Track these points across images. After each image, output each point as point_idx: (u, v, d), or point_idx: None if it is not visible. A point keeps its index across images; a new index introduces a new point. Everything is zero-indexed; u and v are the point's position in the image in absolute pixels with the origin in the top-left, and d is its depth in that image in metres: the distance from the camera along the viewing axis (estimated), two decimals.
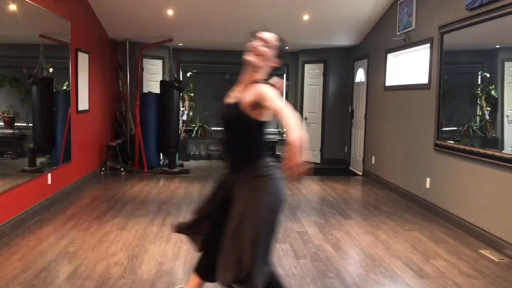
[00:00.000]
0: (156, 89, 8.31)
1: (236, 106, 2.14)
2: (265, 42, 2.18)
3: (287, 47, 2.28)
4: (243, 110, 2.11)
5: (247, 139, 2.19)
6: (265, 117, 2.15)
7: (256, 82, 2.14)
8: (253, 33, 2.24)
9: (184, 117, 9.07)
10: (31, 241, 3.98)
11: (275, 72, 2.27)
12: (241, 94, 2.16)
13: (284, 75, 9.74)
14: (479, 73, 4.73)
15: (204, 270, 2.40)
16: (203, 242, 2.39)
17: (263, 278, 2.10)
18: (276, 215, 2.17)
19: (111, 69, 7.94)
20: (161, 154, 8.31)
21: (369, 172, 7.43)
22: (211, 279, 2.37)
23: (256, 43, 2.17)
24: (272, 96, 2.01)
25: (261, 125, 2.17)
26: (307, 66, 9.18)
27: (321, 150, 8.97)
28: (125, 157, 7.77)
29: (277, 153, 9.33)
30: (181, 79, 9.03)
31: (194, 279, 2.46)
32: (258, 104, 2.06)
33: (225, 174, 2.35)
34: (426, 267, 3.61)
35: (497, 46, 4.50)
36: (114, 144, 7.47)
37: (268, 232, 2.14)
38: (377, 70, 7.12)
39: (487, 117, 4.43)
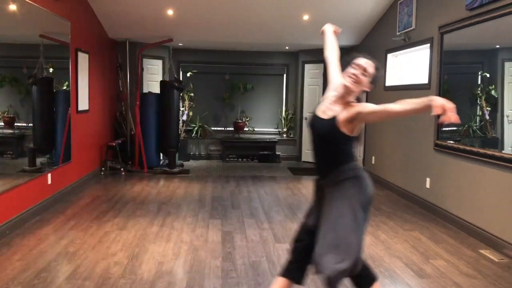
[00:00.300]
0: (156, 89, 8.31)
1: (331, 121, 2.32)
2: (364, 71, 2.35)
3: (381, 74, 2.53)
4: (338, 125, 2.29)
5: (337, 150, 2.37)
6: (355, 132, 2.35)
7: (349, 103, 2.34)
8: (353, 58, 2.41)
9: (184, 117, 9.06)
10: (31, 241, 3.98)
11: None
12: (334, 111, 2.34)
13: (284, 75, 9.75)
14: (479, 73, 4.73)
15: (294, 273, 2.49)
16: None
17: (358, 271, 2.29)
18: (366, 211, 2.34)
19: (111, 69, 7.95)
20: (161, 154, 8.31)
21: (369, 172, 7.42)
22: (300, 282, 2.50)
23: (357, 72, 2.34)
24: (371, 105, 2.27)
25: (350, 139, 2.36)
26: (307, 66, 9.18)
27: None
28: (125, 157, 7.77)
29: (277, 153, 9.34)
30: (181, 79, 9.03)
31: (282, 282, 2.50)
32: (353, 121, 2.28)
33: (316, 180, 2.50)
34: (426, 267, 3.61)
35: (497, 46, 4.50)
36: (114, 144, 7.47)
37: (361, 228, 2.29)
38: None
39: (487, 117, 4.43)
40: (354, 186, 2.33)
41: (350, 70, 2.36)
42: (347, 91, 2.34)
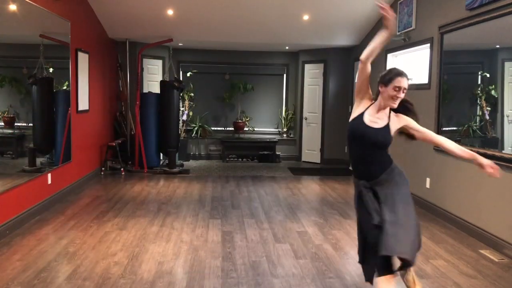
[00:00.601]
0: (156, 89, 8.31)
1: (386, 129, 2.66)
2: (404, 90, 2.64)
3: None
4: (390, 133, 2.66)
5: (386, 153, 2.74)
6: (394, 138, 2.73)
7: (396, 114, 2.70)
8: (391, 76, 2.68)
9: (184, 117, 9.07)
10: (31, 241, 3.98)
11: None
12: (384, 121, 2.67)
13: (284, 75, 9.75)
14: (479, 73, 4.73)
15: (386, 266, 2.60)
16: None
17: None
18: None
19: (111, 69, 7.95)
20: (161, 154, 8.31)
21: None
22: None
23: (400, 95, 2.63)
24: (415, 123, 2.74)
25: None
26: (307, 66, 9.18)
27: (321, 150, 8.97)
28: (125, 157, 7.77)
29: (277, 153, 9.34)
30: (181, 79, 9.03)
31: (387, 279, 2.58)
32: (402, 129, 2.71)
33: (362, 185, 2.70)
34: (426, 267, 3.61)
35: (497, 46, 4.50)
36: (114, 144, 7.47)
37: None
38: (377, 70, 7.09)
39: (487, 117, 4.43)
40: (402, 179, 2.70)
41: (393, 92, 2.61)
42: (379, 105, 2.70)
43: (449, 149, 2.69)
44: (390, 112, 2.69)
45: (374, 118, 2.68)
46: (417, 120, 2.74)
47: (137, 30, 7.47)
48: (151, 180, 7.01)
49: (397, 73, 2.63)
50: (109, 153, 7.53)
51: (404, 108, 2.72)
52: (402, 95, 2.62)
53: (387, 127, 2.65)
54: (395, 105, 2.63)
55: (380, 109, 2.70)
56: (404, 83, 2.60)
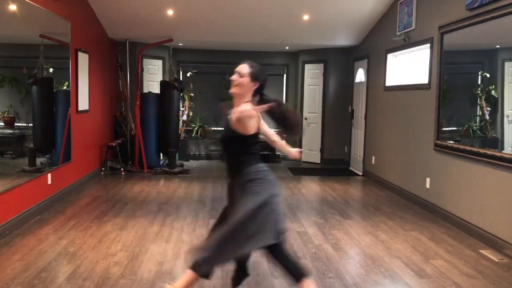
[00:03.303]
0: (156, 89, 8.31)
1: (227, 124, 2.62)
2: (239, 74, 2.65)
3: (257, 69, 2.74)
4: (231, 127, 2.57)
5: (238, 151, 2.64)
6: (252, 131, 2.56)
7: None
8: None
9: (184, 117, 9.07)
10: (31, 241, 3.98)
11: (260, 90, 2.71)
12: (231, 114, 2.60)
13: (284, 75, 9.75)
14: (479, 73, 4.73)
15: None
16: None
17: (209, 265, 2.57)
18: (262, 211, 2.51)
19: (111, 69, 7.95)
20: (161, 154, 8.31)
21: (369, 172, 7.43)
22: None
23: (233, 77, 2.65)
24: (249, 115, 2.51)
25: (249, 138, 2.58)
26: (307, 66, 9.18)
27: (321, 150, 8.97)
28: (125, 157, 7.77)
29: (277, 153, 9.34)
30: (181, 79, 9.02)
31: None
32: (240, 121, 2.50)
33: (228, 182, 2.74)
34: (426, 267, 3.61)
35: (497, 46, 4.50)
36: (114, 144, 7.47)
37: (250, 225, 2.48)
38: (377, 70, 7.12)
39: (487, 117, 4.43)
40: (256, 190, 2.60)
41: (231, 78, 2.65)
42: (235, 96, 2.66)
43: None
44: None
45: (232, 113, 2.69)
46: (286, 132, 2.65)
47: (137, 30, 7.47)
48: (151, 180, 7.01)
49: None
50: (109, 153, 7.53)
51: (273, 117, 2.63)
52: (235, 78, 2.64)
53: (228, 120, 2.64)
54: (233, 91, 2.66)
55: (237, 103, 2.67)
56: (237, 68, 2.68)
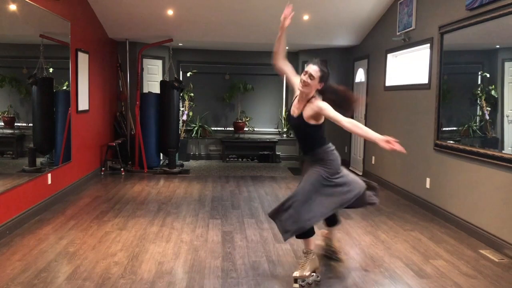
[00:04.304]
0: (156, 89, 8.32)
1: (300, 117, 3.15)
2: (310, 76, 3.06)
3: (327, 73, 3.17)
4: (304, 119, 3.11)
5: (310, 136, 3.21)
6: (320, 121, 3.14)
7: (309, 100, 3.11)
8: (309, 65, 3.16)
9: (184, 117, 9.07)
10: (31, 241, 3.98)
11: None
12: (299, 110, 3.17)
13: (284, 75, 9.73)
14: (479, 73, 4.73)
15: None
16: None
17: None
18: (328, 181, 3.17)
19: (111, 69, 7.95)
20: (161, 154, 8.31)
21: (369, 172, 7.42)
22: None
23: (304, 78, 3.06)
24: (330, 108, 3.00)
25: (319, 126, 3.17)
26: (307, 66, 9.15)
27: None
28: (125, 157, 7.77)
29: (277, 153, 9.35)
30: (181, 79, 9.02)
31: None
32: (316, 115, 3.06)
33: (302, 158, 3.45)
34: (426, 267, 3.61)
35: (497, 46, 4.50)
36: (114, 144, 7.47)
37: (315, 193, 3.16)
38: (377, 70, 7.12)
39: (487, 117, 4.43)
40: (324, 165, 3.21)
41: (302, 76, 3.08)
42: (301, 93, 3.12)
43: (357, 134, 3.02)
44: (307, 101, 3.11)
45: (294, 108, 3.24)
46: (343, 112, 2.99)
47: (137, 30, 7.47)
48: (151, 180, 7.01)
49: (310, 62, 3.15)
50: (109, 153, 7.53)
51: (327, 99, 3.08)
52: (306, 79, 3.03)
53: (300, 115, 3.13)
54: (301, 89, 3.07)
55: (300, 99, 3.18)
56: (310, 68, 3.06)
